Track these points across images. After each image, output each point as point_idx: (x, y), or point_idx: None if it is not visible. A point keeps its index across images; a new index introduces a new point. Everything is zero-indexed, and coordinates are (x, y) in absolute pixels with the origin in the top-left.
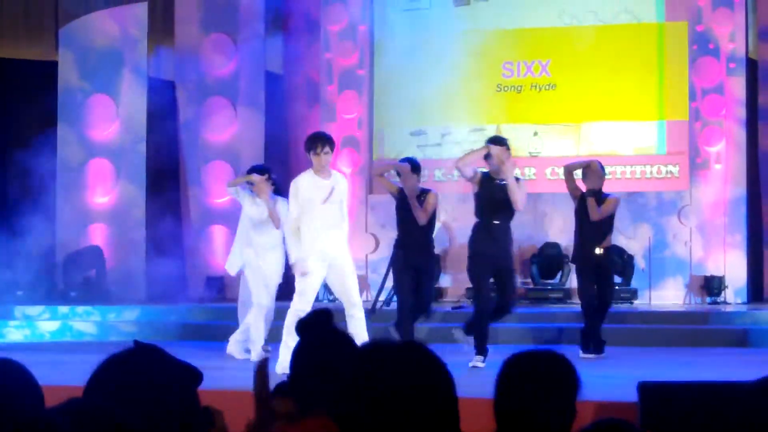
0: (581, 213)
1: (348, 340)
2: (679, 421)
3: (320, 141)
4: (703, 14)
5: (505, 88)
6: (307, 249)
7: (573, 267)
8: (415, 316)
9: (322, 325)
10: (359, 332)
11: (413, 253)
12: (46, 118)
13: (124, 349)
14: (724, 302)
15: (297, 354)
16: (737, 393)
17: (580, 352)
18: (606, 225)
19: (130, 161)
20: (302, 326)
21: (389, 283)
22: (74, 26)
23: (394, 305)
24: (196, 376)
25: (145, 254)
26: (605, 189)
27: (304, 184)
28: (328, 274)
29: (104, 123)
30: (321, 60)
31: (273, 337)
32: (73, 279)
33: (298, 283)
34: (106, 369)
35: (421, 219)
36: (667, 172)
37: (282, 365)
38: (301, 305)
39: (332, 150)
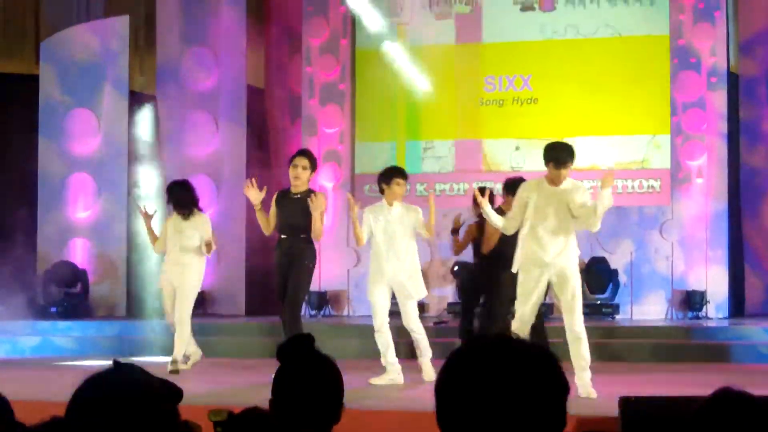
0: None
1: (330, 363)
2: None
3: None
4: (684, 28)
5: (487, 102)
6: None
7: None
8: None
9: (304, 350)
10: (578, 353)
11: None
12: (27, 132)
13: (103, 368)
14: (706, 317)
15: (279, 379)
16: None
17: None
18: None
19: (111, 175)
20: (283, 351)
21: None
22: (55, 40)
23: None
24: (175, 393)
25: (126, 269)
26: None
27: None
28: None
29: (85, 137)
30: (302, 74)
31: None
32: (54, 294)
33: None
34: (86, 389)
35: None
36: (648, 186)
37: None
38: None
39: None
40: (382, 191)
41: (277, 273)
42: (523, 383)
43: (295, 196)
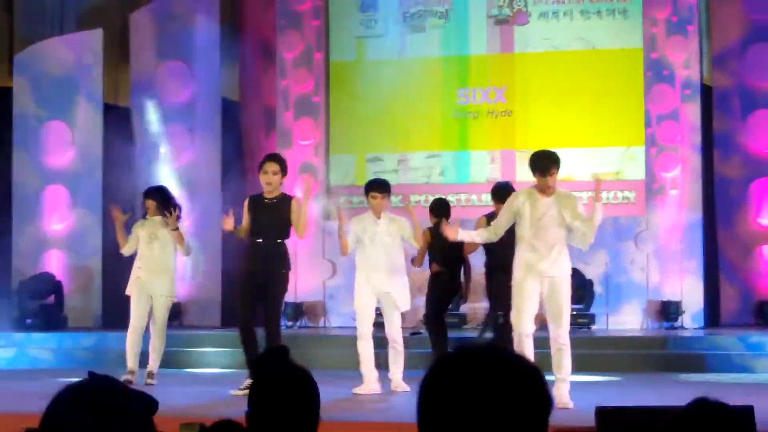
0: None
1: (306, 375)
2: None
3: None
4: (657, 41)
5: (462, 115)
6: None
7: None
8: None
9: (279, 362)
10: (561, 363)
11: None
12: (1, 144)
13: (79, 380)
14: (681, 327)
15: (254, 392)
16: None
17: None
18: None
19: (86, 188)
20: (259, 363)
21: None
22: (29, 53)
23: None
24: (151, 404)
25: (101, 280)
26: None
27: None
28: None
29: (60, 150)
30: (277, 87)
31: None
32: (29, 306)
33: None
34: (62, 401)
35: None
36: (623, 197)
37: None
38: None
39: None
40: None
41: (248, 277)
42: (507, 396)
43: (271, 201)
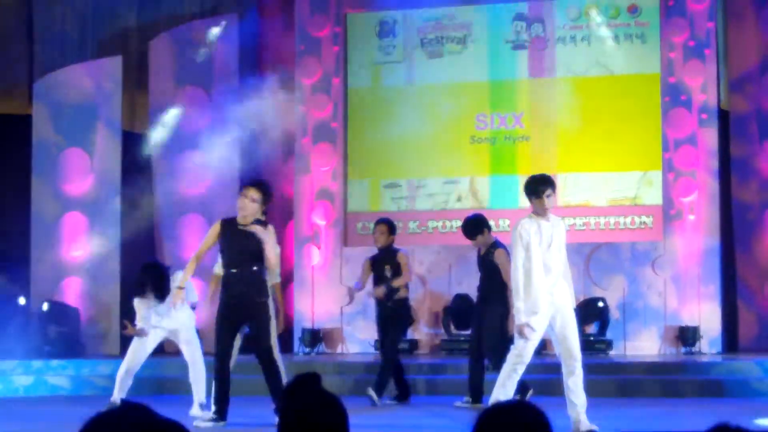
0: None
1: (336, 403)
2: None
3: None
4: (675, 66)
5: (479, 140)
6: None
7: None
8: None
9: (310, 389)
10: (579, 390)
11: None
12: (21, 172)
13: (111, 407)
14: (699, 352)
15: (283, 419)
16: None
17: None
18: None
19: (104, 215)
20: (290, 389)
21: None
22: (48, 80)
23: None
24: None
25: (119, 308)
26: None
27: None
28: (553, 326)
29: (79, 177)
30: (295, 113)
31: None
32: (48, 333)
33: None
34: (93, 428)
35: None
36: (641, 222)
37: None
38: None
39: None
40: None
41: (225, 309)
42: None
43: (244, 228)
